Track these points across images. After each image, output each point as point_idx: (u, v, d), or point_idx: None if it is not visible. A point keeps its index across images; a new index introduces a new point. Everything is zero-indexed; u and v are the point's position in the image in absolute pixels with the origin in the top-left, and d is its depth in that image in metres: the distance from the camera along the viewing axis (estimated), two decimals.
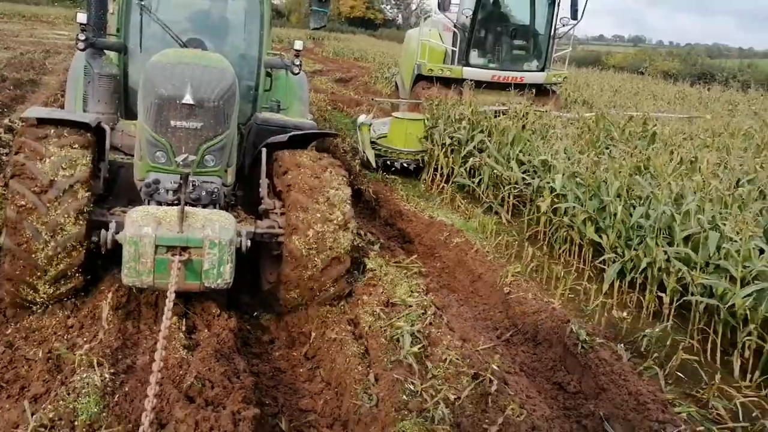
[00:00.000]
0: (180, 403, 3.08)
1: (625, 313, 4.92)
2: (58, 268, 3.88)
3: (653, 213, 5.21)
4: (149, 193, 4.26)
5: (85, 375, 3.27)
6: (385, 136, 9.10)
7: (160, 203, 4.25)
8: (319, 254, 4.32)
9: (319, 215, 4.33)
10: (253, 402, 3.24)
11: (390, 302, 4.53)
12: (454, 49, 11.00)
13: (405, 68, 12.50)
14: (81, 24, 4.76)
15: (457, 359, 3.82)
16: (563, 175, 6.22)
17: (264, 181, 4.78)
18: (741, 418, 3.67)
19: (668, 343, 4.41)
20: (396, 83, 13.62)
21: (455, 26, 11.06)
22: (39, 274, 3.86)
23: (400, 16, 76.28)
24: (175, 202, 4.18)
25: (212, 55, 4.55)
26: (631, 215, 5.40)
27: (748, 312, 4.17)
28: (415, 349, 3.90)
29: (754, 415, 3.71)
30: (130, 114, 5.12)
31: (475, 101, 9.30)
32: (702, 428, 3.49)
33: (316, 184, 4.46)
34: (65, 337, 3.85)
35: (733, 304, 4.21)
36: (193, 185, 4.18)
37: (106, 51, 5.07)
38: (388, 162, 9.04)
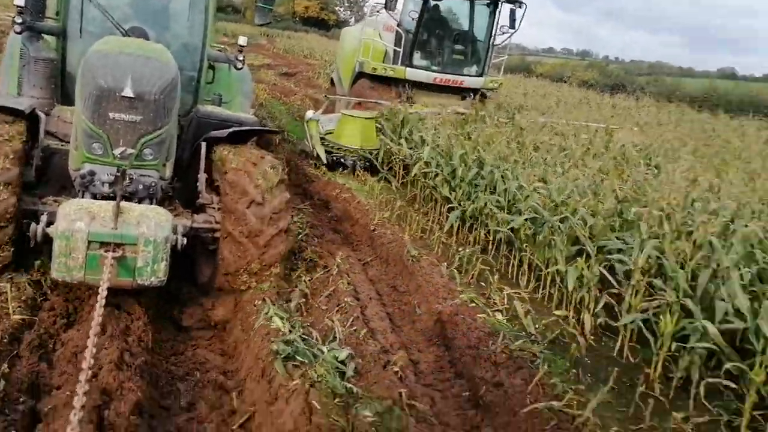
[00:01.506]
0: None
1: (455, 245, 6.60)
2: None
3: (486, 174, 6.91)
4: (84, 184, 4.21)
5: None
6: (332, 133, 9.24)
7: (95, 195, 4.21)
8: (256, 238, 4.42)
9: (255, 202, 4.43)
10: None
11: None
12: (396, 49, 11.22)
13: (343, 65, 12.65)
14: (18, 6, 4.69)
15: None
16: (429, 147, 7.88)
17: (202, 176, 4.82)
18: (506, 303, 5.32)
19: (477, 261, 6.06)
20: (332, 79, 13.83)
21: (398, 27, 11.26)
22: None
23: (353, 18, 77.77)
24: (111, 195, 4.13)
25: (155, 46, 4.51)
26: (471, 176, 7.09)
27: (528, 237, 5.87)
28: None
29: (514, 302, 5.38)
30: (67, 99, 5.04)
31: (421, 104, 9.82)
32: (474, 304, 5.12)
33: (254, 173, 4.54)
34: None
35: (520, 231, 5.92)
36: (130, 178, 4.15)
37: (44, 35, 5.03)
38: (336, 158, 9.19)
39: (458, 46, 11.81)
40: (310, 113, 10.13)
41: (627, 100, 20.70)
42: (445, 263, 6.01)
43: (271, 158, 4.85)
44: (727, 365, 3.76)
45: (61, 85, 5.10)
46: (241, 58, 5.56)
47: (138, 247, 3.74)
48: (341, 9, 68.94)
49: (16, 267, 4.16)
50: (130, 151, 4.09)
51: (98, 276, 3.59)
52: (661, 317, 4.31)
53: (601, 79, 29.31)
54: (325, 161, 9.17)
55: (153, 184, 4.34)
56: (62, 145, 4.75)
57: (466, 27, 11.98)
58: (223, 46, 6.67)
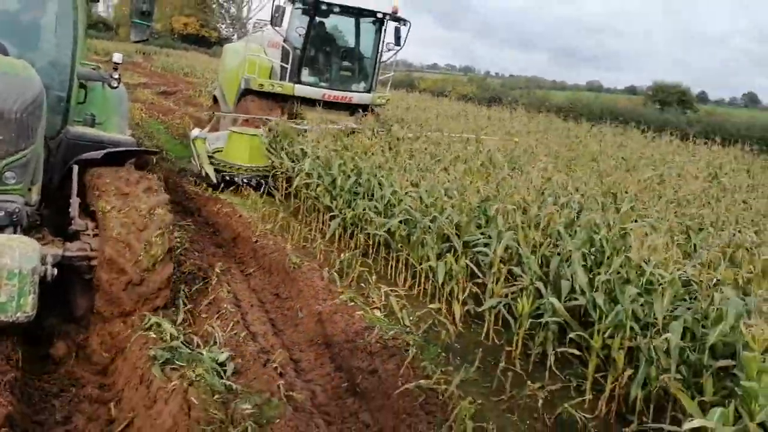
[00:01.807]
0: None
1: (336, 251, 6.86)
2: None
3: (363, 182, 7.24)
4: None
5: None
6: (220, 151, 9.09)
7: None
8: (137, 263, 4.24)
9: (135, 225, 4.26)
10: None
11: None
12: (283, 65, 11.16)
13: (227, 82, 12.50)
14: None
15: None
16: (310, 159, 8.11)
17: (75, 201, 4.55)
18: (383, 300, 5.62)
19: (357, 264, 6.33)
20: (215, 97, 13.61)
21: (285, 43, 11.20)
22: None
23: (235, 35, 76.74)
24: None
25: (15, 62, 4.25)
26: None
27: (403, 238, 6.24)
28: None
29: (390, 298, 5.68)
30: None
31: (313, 118, 9.82)
32: (353, 303, 5.37)
33: (131, 196, 4.40)
34: None
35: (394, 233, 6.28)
36: None
37: None
38: (227, 177, 9.05)
39: (346, 63, 11.91)
40: (195, 131, 9.86)
41: (502, 111, 22.04)
42: (327, 268, 6.24)
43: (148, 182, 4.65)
44: (571, 334, 4.26)
45: None
46: (117, 76, 5.36)
47: (0, 280, 3.50)
48: (223, 26, 67.73)
49: None
50: None
51: None
52: (518, 300, 4.77)
53: (479, 92, 30.99)
54: (214, 180, 9.01)
55: (17, 210, 4.04)
56: None
57: (352, 44, 12.10)
58: (96, 65, 6.41)
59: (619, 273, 4.22)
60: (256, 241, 6.96)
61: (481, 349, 4.66)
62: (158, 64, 38.45)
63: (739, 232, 4.98)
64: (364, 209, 6.89)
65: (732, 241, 4.69)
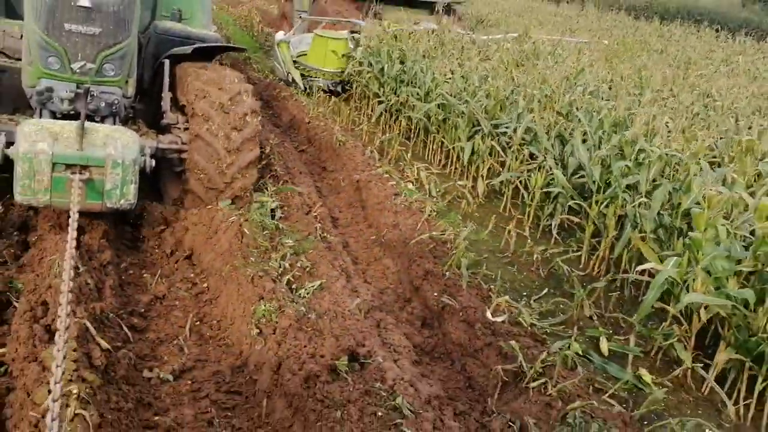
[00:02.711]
0: None
1: (380, 133, 7.52)
2: None
3: (408, 69, 7.76)
4: (42, 101, 4.08)
5: None
6: (305, 54, 8.91)
7: (53, 113, 4.12)
8: (226, 168, 4.38)
9: (225, 126, 4.36)
10: None
11: None
12: None
13: None
14: None
15: None
16: (362, 47, 8.63)
17: (167, 95, 4.66)
18: (417, 175, 6.29)
19: (396, 144, 6.99)
20: None
21: None
22: None
23: None
24: (71, 112, 4.06)
25: None
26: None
27: (438, 122, 6.82)
28: None
29: (421, 173, 6.34)
30: (12, 12, 4.78)
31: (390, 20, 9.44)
32: (388, 176, 6.08)
33: (222, 95, 4.44)
34: None
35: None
36: (91, 95, 3.99)
37: None
38: (311, 81, 8.93)
39: None
40: (280, 35, 9.61)
41: (570, 8, 21.46)
42: (369, 147, 6.94)
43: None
44: (570, 203, 4.86)
45: None
46: None
47: (106, 169, 3.69)
48: None
49: None
50: (89, 65, 3.95)
51: (65, 199, 3.55)
52: (533, 175, 5.36)
53: None
54: (302, 86, 8.90)
55: (116, 102, 4.20)
56: (9, 62, 4.55)
57: None
58: None
59: (616, 151, 4.72)
60: (309, 122, 7.69)
61: (494, 216, 5.34)
62: None
63: (748, 119, 5.31)
64: (407, 95, 7.45)
65: (738, 127, 5.07)
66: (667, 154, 4.36)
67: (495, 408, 3.22)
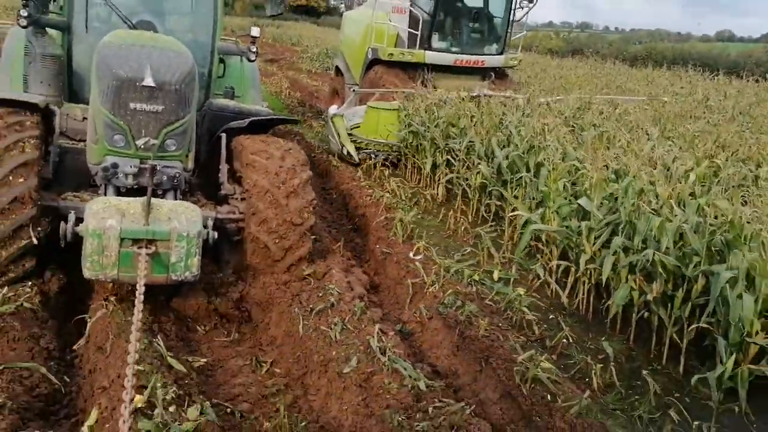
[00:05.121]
0: None
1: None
2: (9, 251, 3.84)
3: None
4: (107, 177, 4.24)
5: None
6: (359, 127, 8.87)
7: (118, 189, 4.28)
8: (281, 240, 4.47)
9: (280, 199, 4.45)
10: None
11: None
12: (412, 31, 10.57)
13: (350, 52, 11.91)
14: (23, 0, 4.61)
15: None
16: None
17: (224, 167, 4.87)
18: (400, 195, 7.99)
19: (379, 166, 8.74)
20: (337, 67, 12.60)
21: (412, 7, 10.65)
22: None
23: (343, 4, 79.50)
24: (135, 186, 4.25)
25: (167, 38, 4.54)
26: None
27: (411, 146, 8.59)
28: None
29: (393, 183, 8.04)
30: (74, 97, 5.06)
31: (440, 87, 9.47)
32: (369, 188, 7.80)
33: (277, 168, 4.56)
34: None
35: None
36: (153, 170, 4.06)
37: (48, 30, 4.93)
38: (368, 154, 8.78)
39: (476, 25, 11.32)
40: (333, 108, 9.70)
41: (576, 63, 23.39)
42: (359, 171, 8.72)
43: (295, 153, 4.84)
44: (490, 188, 6.51)
45: (68, 83, 5.06)
46: (254, 50, 5.61)
47: (171, 243, 3.79)
48: None
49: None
50: (153, 141, 4.13)
51: (132, 273, 3.66)
52: (472, 177, 7.03)
53: (564, 46, 31.97)
54: (357, 159, 8.71)
55: (177, 175, 4.38)
56: (72, 144, 4.79)
57: (481, 3, 11.50)
58: (234, 39, 6.73)
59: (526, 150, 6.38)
60: (314, 155, 9.60)
61: (443, 209, 7.01)
62: (269, 36, 42.06)
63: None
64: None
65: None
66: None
67: (407, 308, 4.85)
